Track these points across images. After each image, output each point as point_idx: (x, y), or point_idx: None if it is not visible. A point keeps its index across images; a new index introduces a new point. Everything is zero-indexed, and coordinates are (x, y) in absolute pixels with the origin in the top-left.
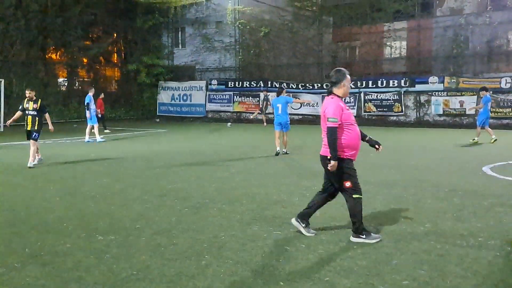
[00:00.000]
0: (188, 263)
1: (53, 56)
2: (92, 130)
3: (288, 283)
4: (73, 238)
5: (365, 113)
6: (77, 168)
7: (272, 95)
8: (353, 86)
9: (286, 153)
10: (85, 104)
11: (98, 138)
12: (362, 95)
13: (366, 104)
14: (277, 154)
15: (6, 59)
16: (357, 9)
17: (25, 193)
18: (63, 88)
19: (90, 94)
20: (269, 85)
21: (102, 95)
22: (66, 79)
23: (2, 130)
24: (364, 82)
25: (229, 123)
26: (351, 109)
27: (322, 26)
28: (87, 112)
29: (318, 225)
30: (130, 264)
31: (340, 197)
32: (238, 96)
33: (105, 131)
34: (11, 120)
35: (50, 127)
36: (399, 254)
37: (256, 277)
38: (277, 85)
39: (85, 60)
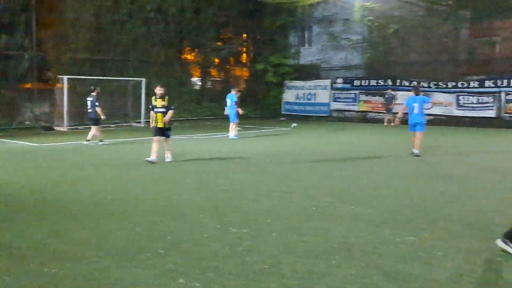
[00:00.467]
0: (318, 262)
1: (188, 56)
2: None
3: None
4: (209, 229)
5: (505, 114)
6: (210, 163)
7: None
8: (492, 85)
9: (416, 155)
10: (232, 102)
11: (232, 135)
12: (503, 95)
13: (507, 104)
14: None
15: (147, 59)
16: (498, 2)
17: (165, 185)
18: (197, 87)
19: (233, 92)
20: (398, 84)
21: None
22: (199, 78)
23: (142, 125)
24: (505, 81)
25: (294, 124)
26: (489, 109)
27: (458, 21)
28: (229, 110)
29: (456, 232)
30: (262, 258)
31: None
32: (364, 95)
33: (293, 125)
34: (152, 121)
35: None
36: None
37: (389, 281)
38: (407, 84)
39: (216, 60)
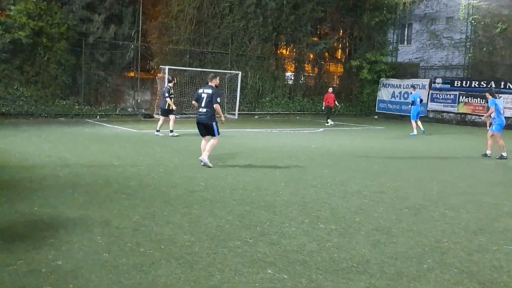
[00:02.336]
0: (408, 264)
1: (284, 51)
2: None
3: None
4: (297, 222)
5: None
6: (300, 157)
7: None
8: None
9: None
10: (418, 100)
11: (415, 131)
12: None
13: None
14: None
15: (244, 53)
16: None
17: (255, 176)
18: (290, 82)
19: (414, 92)
20: (502, 86)
21: (330, 89)
22: (293, 73)
23: (236, 117)
24: None
25: (331, 122)
26: None
27: None
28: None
29: None
30: (350, 256)
31: None
32: (464, 97)
33: (327, 123)
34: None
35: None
36: None
37: None
38: (511, 86)
39: (311, 56)
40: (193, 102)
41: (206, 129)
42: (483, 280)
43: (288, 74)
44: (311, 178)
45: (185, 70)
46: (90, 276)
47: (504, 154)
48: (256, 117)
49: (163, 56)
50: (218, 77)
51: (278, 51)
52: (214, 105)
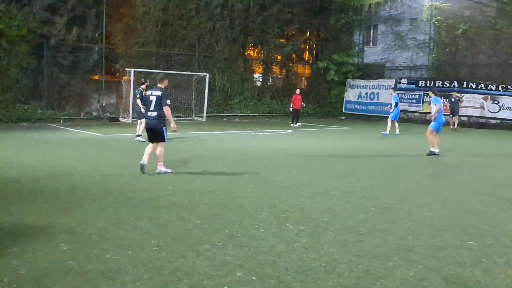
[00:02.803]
0: (375, 262)
1: (251, 53)
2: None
3: None
4: (266, 224)
5: None
6: (269, 159)
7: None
8: None
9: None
10: (394, 103)
11: (388, 131)
12: None
13: None
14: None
15: (211, 55)
16: None
17: (224, 179)
18: (258, 84)
19: (394, 93)
20: (464, 86)
21: (298, 91)
22: (261, 75)
23: (204, 120)
24: None
25: (299, 123)
26: None
27: None
28: (392, 108)
29: None
30: (319, 256)
31: None
32: (428, 96)
33: (292, 124)
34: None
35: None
36: None
37: (448, 286)
38: (474, 86)
39: (279, 57)
40: (141, 105)
41: (156, 134)
42: (447, 275)
43: (256, 75)
44: (280, 180)
45: (151, 73)
46: (54, 284)
47: (434, 150)
48: (224, 119)
49: (128, 58)
50: (167, 79)
51: (246, 53)
52: (164, 108)
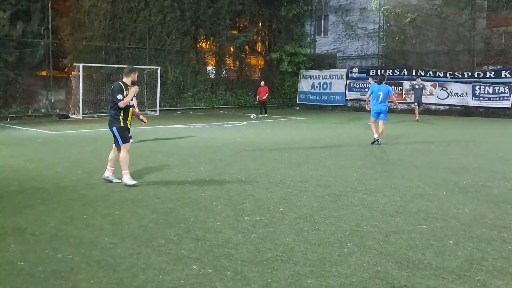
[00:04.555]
0: (330, 250)
1: (204, 45)
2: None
3: (434, 278)
4: (222, 216)
5: None
6: (225, 151)
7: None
8: (508, 76)
9: (379, 143)
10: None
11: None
12: None
13: None
14: (373, 142)
15: (162, 47)
16: None
17: (179, 173)
18: (211, 76)
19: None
20: (414, 73)
21: (262, 83)
22: (214, 67)
23: (157, 114)
24: None
25: (253, 115)
26: (505, 100)
27: (475, 10)
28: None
29: (468, 221)
30: (275, 245)
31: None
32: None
33: (261, 115)
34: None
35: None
36: None
37: (401, 269)
38: (423, 74)
39: (232, 49)
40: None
41: (114, 138)
42: (400, 259)
43: (210, 68)
44: (235, 172)
45: (101, 67)
46: (4, 287)
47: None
48: (178, 112)
49: (77, 53)
50: (134, 72)
51: (198, 45)
52: (119, 104)
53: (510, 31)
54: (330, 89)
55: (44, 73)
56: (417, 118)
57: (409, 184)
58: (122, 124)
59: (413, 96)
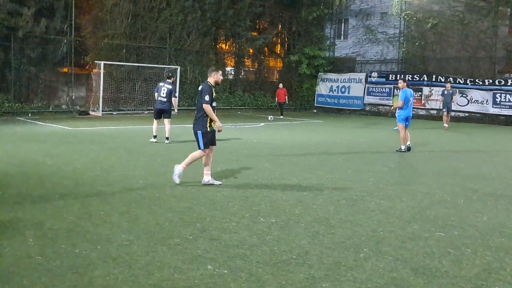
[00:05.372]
0: (346, 254)
1: (223, 46)
2: None
3: (451, 286)
4: (238, 217)
5: None
6: (241, 152)
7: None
8: None
9: (402, 150)
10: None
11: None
12: None
13: None
14: (408, 149)
15: (182, 47)
16: None
17: (196, 172)
18: (230, 77)
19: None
20: (433, 79)
21: (281, 85)
22: (233, 68)
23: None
24: None
25: (271, 117)
26: None
27: (497, 17)
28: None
29: (486, 230)
30: (290, 248)
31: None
32: (398, 90)
33: (270, 117)
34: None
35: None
36: None
37: (417, 276)
38: (443, 80)
39: (251, 51)
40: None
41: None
42: (416, 266)
43: (228, 68)
44: (252, 173)
45: (122, 66)
46: (21, 280)
47: (402, 146)
48: None
49: (98, 51)
50: (217, 72)
51: (217, 46)
52: (204, 106)
53: None
54: (349, 92)
55: (65, 70)
56: (446, 125)
57: (427, 191)
58: (208, 129)
59: (441, 102)
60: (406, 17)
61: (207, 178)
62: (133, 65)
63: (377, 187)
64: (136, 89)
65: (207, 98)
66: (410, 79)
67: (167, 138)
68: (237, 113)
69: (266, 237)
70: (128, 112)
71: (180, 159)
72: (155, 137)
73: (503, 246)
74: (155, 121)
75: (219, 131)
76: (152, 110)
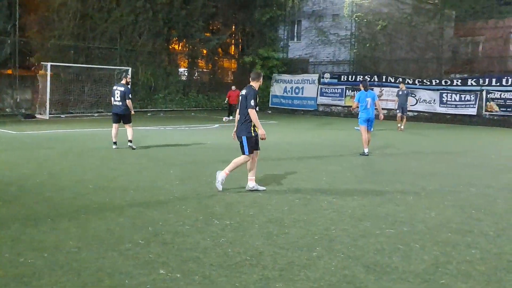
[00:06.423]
0: (299, 253)
1: (176, 46)
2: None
3: (401, 282)
4: (192, 220)
5: (486, 113)
6: (196, 154)
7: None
8: (474, 84)
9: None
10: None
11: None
12: (484, 93)
13: (488, 103)
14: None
15: (134, 48)
16: (483, 2)
17: (149, 175)
18: (184, 78)
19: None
20: (384, 80)
21: (233, 87)
22: (186, 69)
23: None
24: (487, 79)
25: (225, 118)
26: (471, 107)
27: (443, 20)
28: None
29: (433, 225)
30: (244, 249)
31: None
32: (350, 90)
33: (225, 118)
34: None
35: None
36: None
37: (368, 273)
38: (392, 80)
39: (204, 52)
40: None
41: (240, 145)
42: (367, 263)
43: (182, 69)
44: (207, 175)
45: (69, 67)
46: None
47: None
48: (149, 114)
49: (44, 52)
50: (260, 77)
51: (170, 47)
52: (249, 110)
53: (476, 41)
54: (302, 93)
55: (9, 71)
56: (402, 126)
57: (378, 189)
58: (252, 134)
59: (396, 103)
60: (357, 19)
61: (251, 183)
62: (81, 66)
63: (331, 186)
64: (86, 91)
65: (252, 102)
66: (361, 79)
67: (130, 141)
68: (191, 115)
69: (220, 239)
70: (77, 114)
71: (133, 161)
72: (115, 143)
73: (450, 241)
74: (114, 126)
75: (262, 139)
76: (102, 112)
